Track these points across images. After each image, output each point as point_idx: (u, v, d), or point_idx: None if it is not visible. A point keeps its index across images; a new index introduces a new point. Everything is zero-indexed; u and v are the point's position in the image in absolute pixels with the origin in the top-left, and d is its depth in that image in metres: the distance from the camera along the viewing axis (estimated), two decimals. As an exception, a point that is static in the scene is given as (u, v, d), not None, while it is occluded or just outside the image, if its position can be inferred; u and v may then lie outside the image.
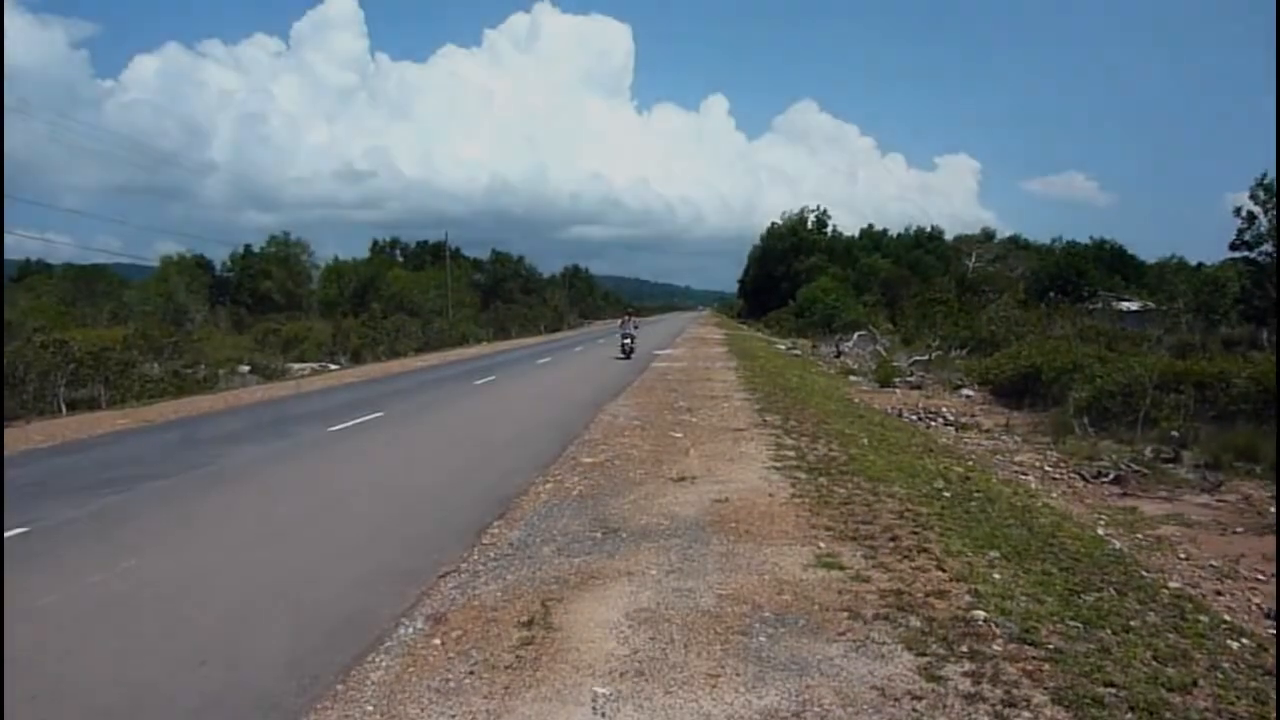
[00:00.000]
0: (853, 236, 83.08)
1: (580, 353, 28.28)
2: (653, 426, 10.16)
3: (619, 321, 26.69)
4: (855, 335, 31.16)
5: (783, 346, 33.42)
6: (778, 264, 79.40)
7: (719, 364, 20.86)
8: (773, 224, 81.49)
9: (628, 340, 24.74)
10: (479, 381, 17.26)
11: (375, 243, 71.94)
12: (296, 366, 23.26)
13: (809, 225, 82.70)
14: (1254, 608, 4.91)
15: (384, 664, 3.69)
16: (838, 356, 27.48)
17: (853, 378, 20.20)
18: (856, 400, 14.72)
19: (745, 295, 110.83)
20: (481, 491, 6.88)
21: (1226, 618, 4.45)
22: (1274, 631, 4.36)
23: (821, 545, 5.18)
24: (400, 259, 76.91)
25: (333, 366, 24.50)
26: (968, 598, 4.34)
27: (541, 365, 22.25)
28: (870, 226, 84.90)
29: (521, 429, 10.56)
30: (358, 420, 11.21)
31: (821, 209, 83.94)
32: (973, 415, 13.65)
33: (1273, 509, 6.71)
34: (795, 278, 72.47)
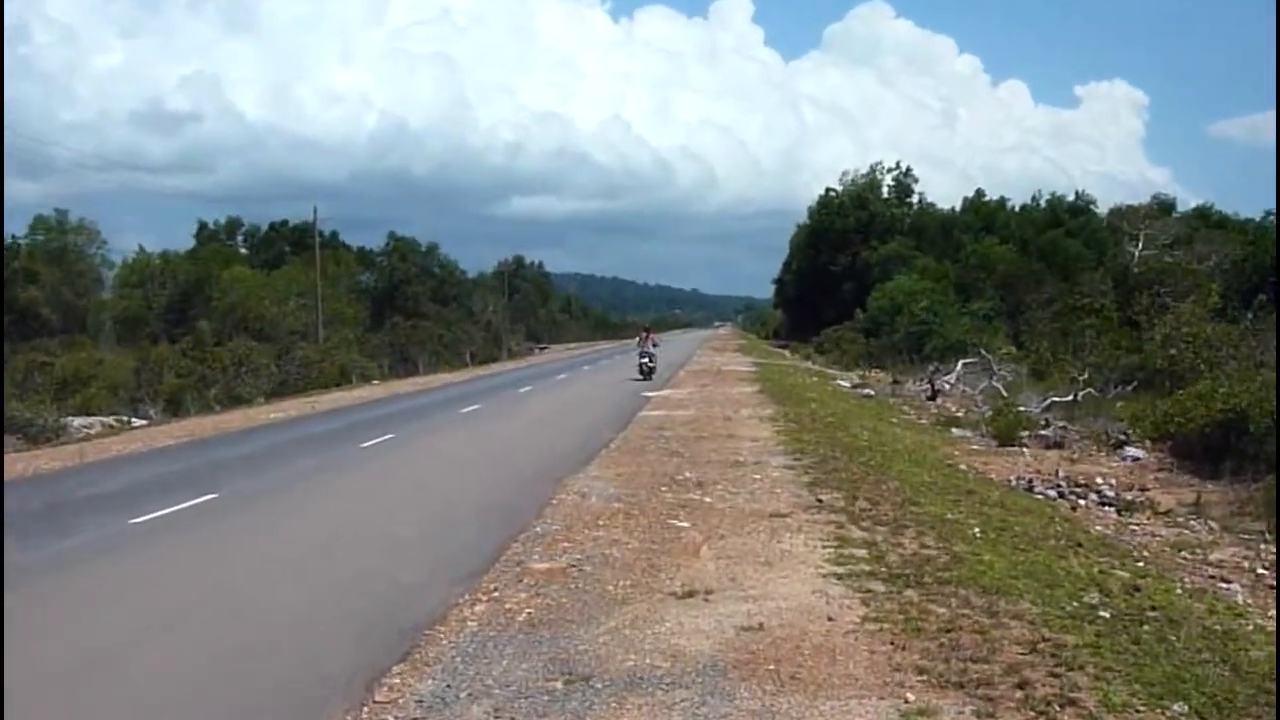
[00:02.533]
0: (952, 210, 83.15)
1: (529, 395, 29.08)
2: (643, 510, 10.27)
3: (635, 340, 35.78)
4: (959, 365, 31.63)
5: (846, 383, 33.92)
6: (836, 253, 79.66)
7: (746, 411, 21.31)
8: (827, 192, 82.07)
9: (646, 359, 33.06)
10: (368, 443, 17.29)
11: (203, 225, 71.61)
12: (79, 422, 22.95)
13: (884, 193, 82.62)
14: None
15: None
16: (932, 398, 27.90)
17: (956, 431, 20.43)
18: (963, 466, 14.89)
19: (785, 303, 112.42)
20: (374, 619, 6.84)
21: None
22: None
23: (911, 698, 5.10)
24: (243, 250, 76.55)
25: (137, 421, 24.40)
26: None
27: (469, 414, 22.63)
28: (979, 195, 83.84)
29: (439, 515, 10.61)
30: (176, 508, 11.20)
31: (903, 167, 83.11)
32: (1143, 488, 13.81)
33: None
34: (863, 274, 72.91)
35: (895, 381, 33.69)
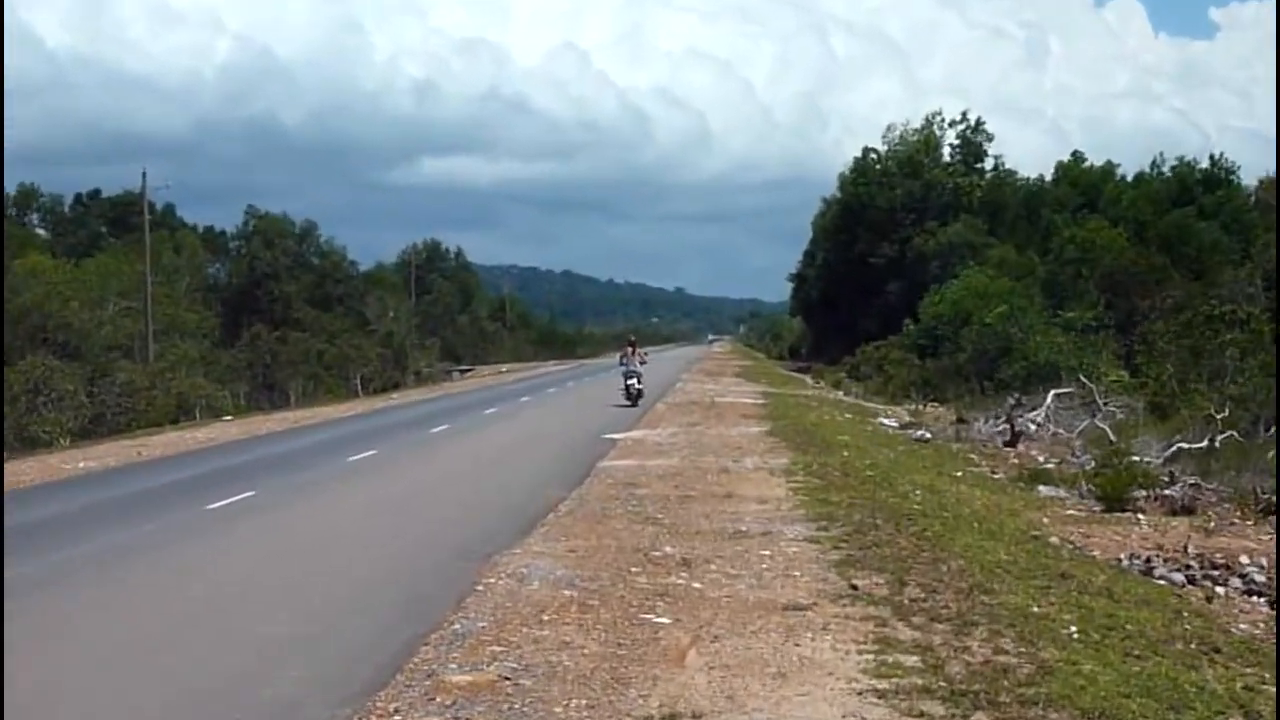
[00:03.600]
0: (1040, 181, 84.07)
1: (444, 437, 29.53)
2: (605, 600, 10.30)
3: (618, 356, 39.50)
4: (1048, 397, 32.02)
5: (891, 421, 34.33)
6: (877, 239, 79.71)
7: (752, 460, 21.59)
8: (865, 154, 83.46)
9: (632, 380, 36.97)
10: (218, 504, 17.23)
11: (-18, 196, 74.67)
12: None
13: (945, 155, 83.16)
14: None
15: None
16: (1011, 443, 28.26)
17: (1044, 489, 20.60)
18: (1054, 539, 15.01)
19: (806, 308, 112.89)
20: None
21: None
22: None
23: None
24: (40, 231, 75.97)
25: None
26: None
27: (359, 464, 22.87)
28: (1077, 159, 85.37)
29: (320, 607, 10.57)
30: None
31: (971, 120, 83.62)
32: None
33: None
34: (916, 269, 73.33)
35: (960, 420, 33.93)
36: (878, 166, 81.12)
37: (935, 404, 42.67)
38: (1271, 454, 22.28)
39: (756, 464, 20.73)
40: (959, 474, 21.81)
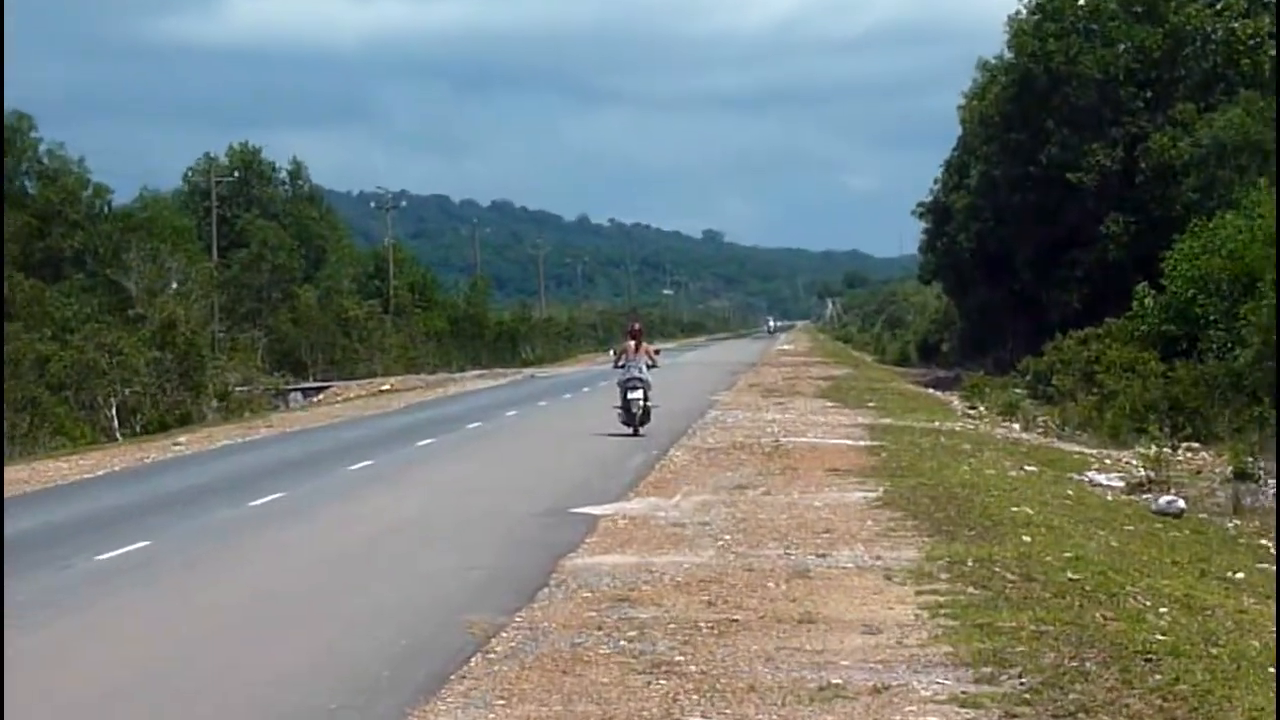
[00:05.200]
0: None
1: (273, 518, 29.69)
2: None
3: (612, 354, 42.78)
4: None
5: (1109, 477, 34.27)
6: (1081, 133, 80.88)
7: (849, 552, 21.62)
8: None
9: (636, 394, 39.44)
10: None
11: None
12: None
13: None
14: None
15: None
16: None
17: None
18: None
19: (949, 269, 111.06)
20: None
21: None
22: None
23: None
24: None
25: None
26: None
27: (104, 590, 22.59)
28: None
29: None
30: None
31: None
32: None
33: None
34: (1151, 188, 73.14)
35: (1241, 475, 33.74)
36: (1080, 3, 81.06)
37: (1194, 444, 42.45)
38: None
39: (860, 560, 20.79)
40: (1239, 576, 21.69)
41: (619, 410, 38.61)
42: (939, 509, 25.94)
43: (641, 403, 38.18)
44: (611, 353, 40.37)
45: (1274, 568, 23.16)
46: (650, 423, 39.30)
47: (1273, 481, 31.94)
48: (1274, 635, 17.12)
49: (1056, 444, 43.35)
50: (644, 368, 38.87)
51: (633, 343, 39.66)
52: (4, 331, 50.65)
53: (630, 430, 37.93)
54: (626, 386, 38.62)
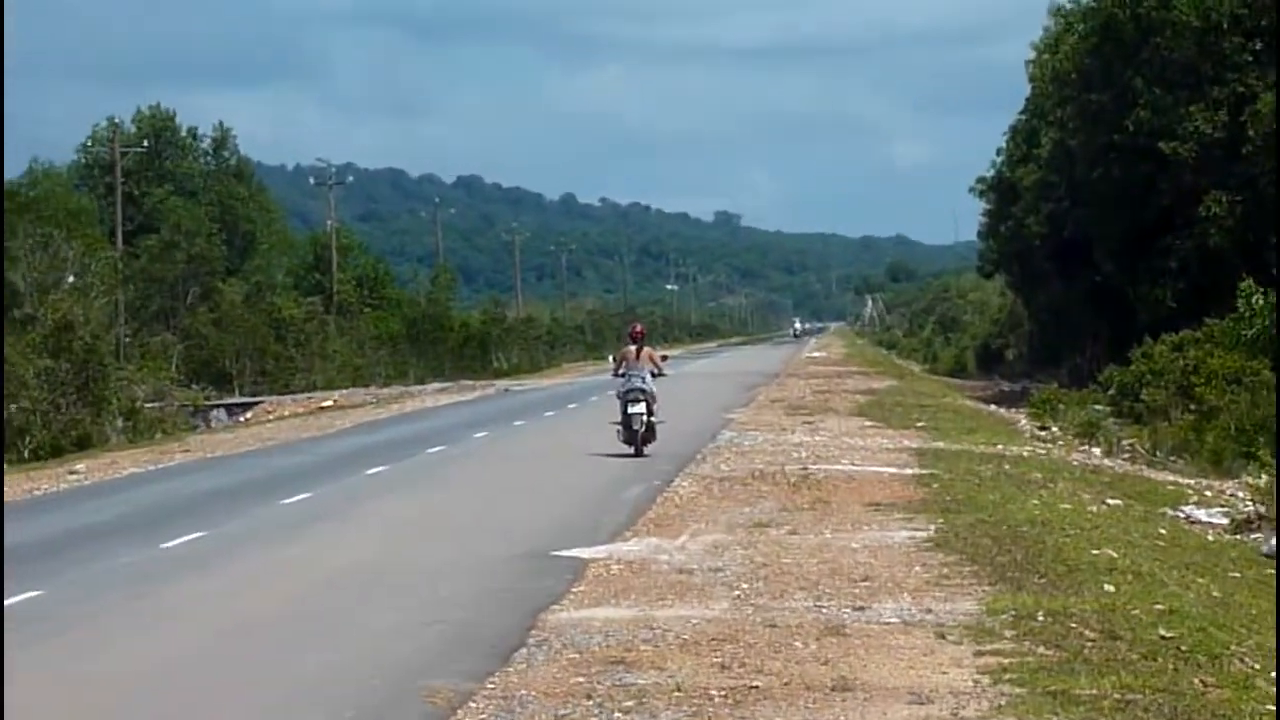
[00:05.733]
0: None
1: (202, 559, 29.78)
2: None
3: (612, 362, 43.79)
4: None
5: (1209, 513, 34.32)
6: (1176, 93, 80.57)
7: (893, 604, 21.68)
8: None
9: (638, 408, 40.44)
10: None
11: None
12: None
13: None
14: None
15: None
16: None
17: None
18: None
19: (1015, 260, 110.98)
20: None
21: None
22: None
23: None
24: None
25: None
26: None
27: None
28: None
29: None
30: None
31: None
32: None
33: None
34: (1261, 159, 72.83)
35: None
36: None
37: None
38: None
39: (907, 613, 20.76)
40: None
41: (617, 427, 39.13)
42: (1002, 552, 25.90)
43: (644, 418, 38.74)
44: (610, 359, 41.24)
45: None
46: (655, 441, 39.85)
47: None
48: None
49: (1146, 472, 43.38)
50: (648, 377, 39.39)
51: (634, 347, 40.18)
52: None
53: (631, 450, 38.50)
54: (626, 399, 39.11)
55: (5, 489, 45.79)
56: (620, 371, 40.06)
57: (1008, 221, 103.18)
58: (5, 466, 53.69)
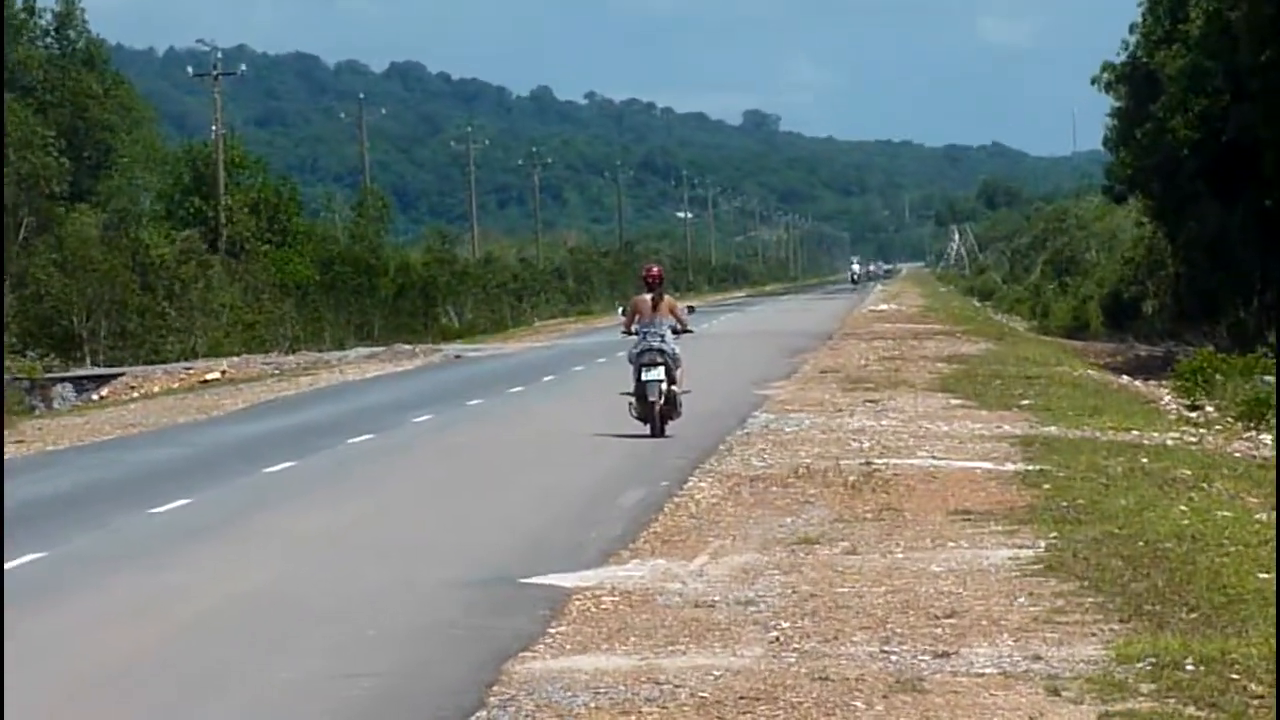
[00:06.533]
0: None
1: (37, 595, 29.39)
2: None
3: (621, 314, 44.34)
4: None
5: None
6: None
7: (987, 650, 21.48)
8: None
9: (655, 373, 41.13)
10: None
11: None
12: None
13: None
14: None
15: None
16: None
17: None
18: None
19: (1156, 180, 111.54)
20: None
21: None
22: None
23: None
24: None
25: None
26: None
27: None
28: None
29: None
30: None
31: None
32: None
33: None
34: None
35: None
36: None
37: None
38: None
39: (1008, 662, 20.59)
40: None
41: (630, 399, 39.81)
42: (1138, 576, 25.82)
43: (663, 386, 39.20)
44: (620, 312, 41.11)
45: None
46: (680, 418, 40.67)
47: None
48: None
49: None
50: (668, 335, 39.72)
51: (649, 296, 40.19)
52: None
53: (647, 430, 39.37)
54: (641, 363, 39.45)
55: None
56: (633, 328, 40.22)
57: (1146, 124, 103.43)
58: None
